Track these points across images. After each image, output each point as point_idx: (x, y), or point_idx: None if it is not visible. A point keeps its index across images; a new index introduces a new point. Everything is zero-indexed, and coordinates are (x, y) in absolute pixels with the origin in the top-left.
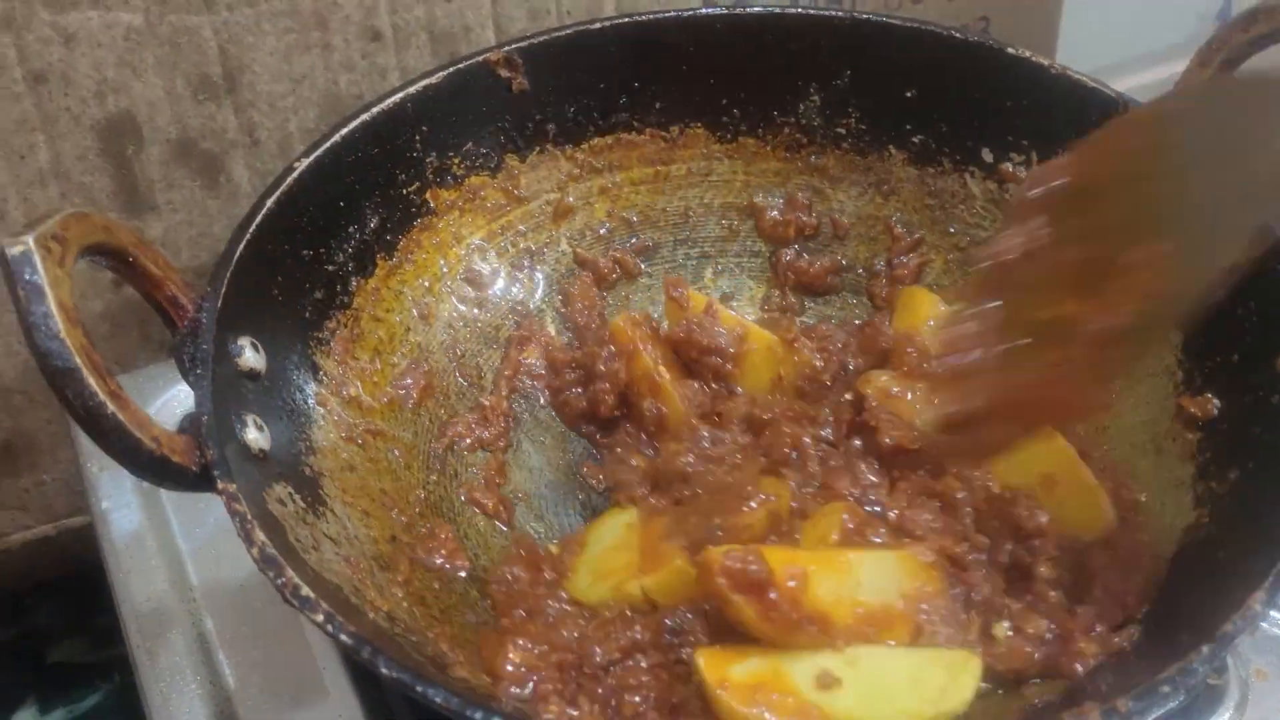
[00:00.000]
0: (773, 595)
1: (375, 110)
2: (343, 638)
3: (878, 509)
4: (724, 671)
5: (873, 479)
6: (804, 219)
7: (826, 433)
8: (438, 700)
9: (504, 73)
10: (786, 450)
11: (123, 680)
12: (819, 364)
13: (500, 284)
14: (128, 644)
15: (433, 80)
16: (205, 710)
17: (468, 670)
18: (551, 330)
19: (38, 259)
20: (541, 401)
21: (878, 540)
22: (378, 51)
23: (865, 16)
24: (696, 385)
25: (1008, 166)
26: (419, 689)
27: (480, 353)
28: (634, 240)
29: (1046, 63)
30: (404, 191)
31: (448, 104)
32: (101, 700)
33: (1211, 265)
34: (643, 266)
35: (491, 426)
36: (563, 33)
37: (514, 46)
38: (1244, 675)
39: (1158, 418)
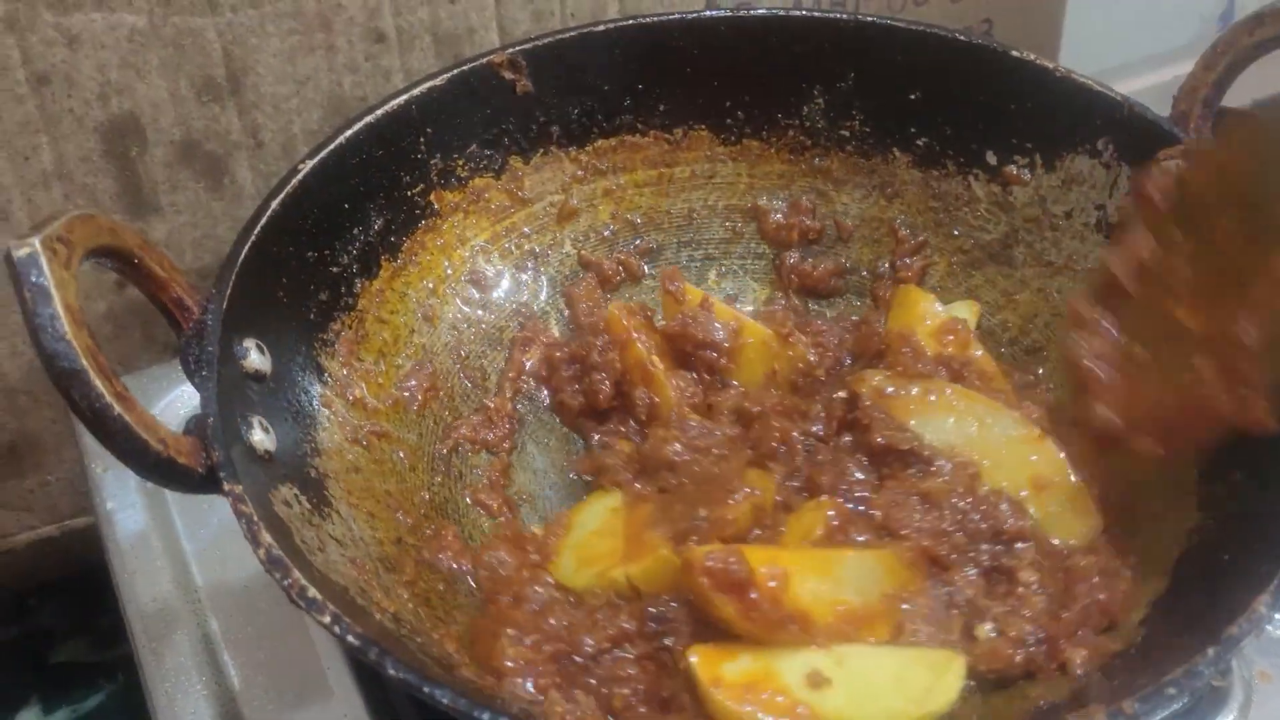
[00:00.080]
0: (753, 595)
1: (379, 112)
2: (350, 639)
3: (862, 507)
4: (717, 670)
5: (860, 476)
6: (807, 223)
7: (818, 429)
8: (444, 701)
9: (508, 75)
10: (774, 444)
11: (126, 680)
12: (814, 359)
13: (504, 286)
14: (133, 645)
15: (437, 82)
16: (210, 710)
17: (473, 671)
18: (555, 332)
19: (44, 261)
20: (545, 403)
21: (861, 539)
22: (382, 53)
23: (869, 19)
24: (690, 376)
25: (1011, 169)
26: (426, 689)
27: (484, 354)
28: (638, 242)
29: (1051, 65)
30: (408, 193)
31: (452, 106)
32: (105, 700)
33: None
34: (646, 269)
35: (496, 428)
36: (567, 35)
37: (518, 48)
38: (1248, 677)
39: None
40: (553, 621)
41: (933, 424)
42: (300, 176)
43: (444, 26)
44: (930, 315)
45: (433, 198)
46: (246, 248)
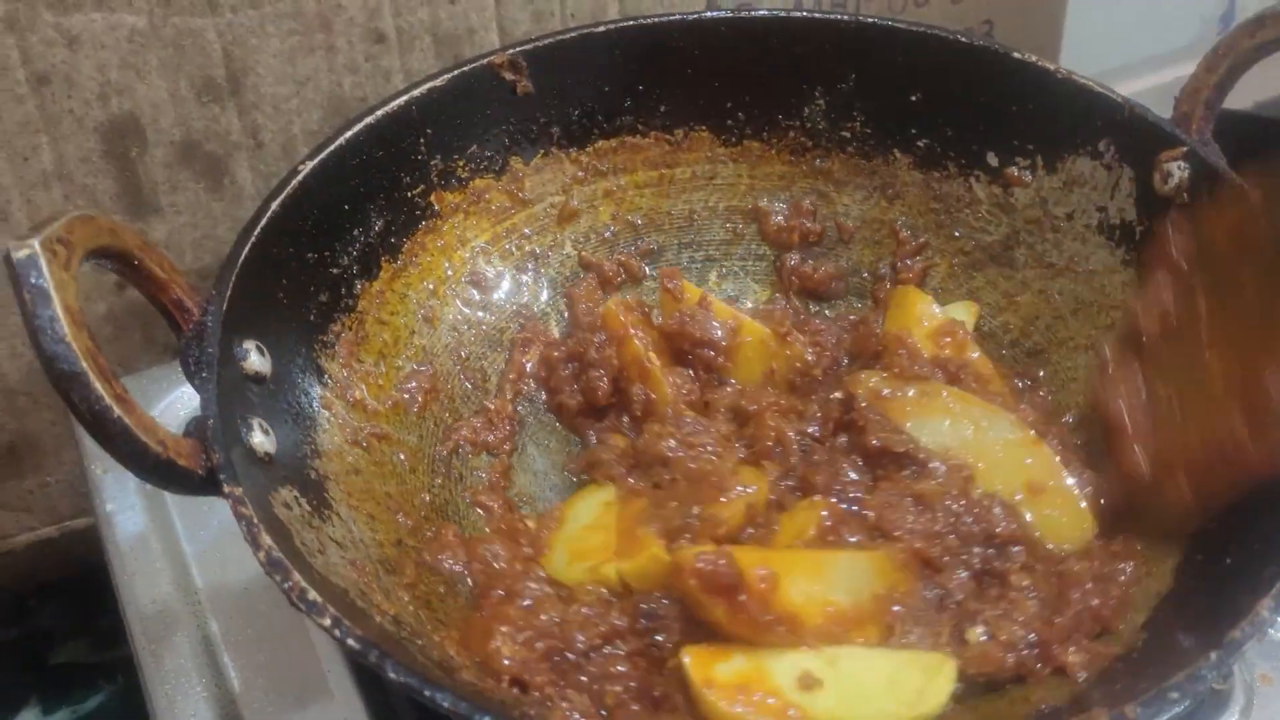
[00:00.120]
0: (743, 597)
1: (379, 113)
2: (350, 642)
3: (855, 507)
4: (709, 671)
5: (854, 476)
6: (808, 225)
7: (814, 429)
8: (445, 704)
9: (508, 75)
10: (769, 443)
11: (126, 682)
12: (811, 359)
13: (505, 287)
14: (132, 646)
15: (437, 83)
16: (210, 713)
17: (474, 674)
18: (556, 333)
19: (43, 262)
20: (545, 404)
21: (854, 540)
22: (382, 54)
23: (870, 20)
24: (688, 374)
25: (1013, 171)
26: (427, 693)
27: (485, 356)
28: (639, 243)
29: (1052, 67)
30: (408, 194)
31: (452, 107)
32: (104, 701)
33: None
34: (647, 270)
35: (496, 430)
36: (567, 35)
37: (518, 49)
38: (1249, 680)
39: None
40: (544, 618)
41: (928, 426)
42: (300, 177)
43: (444, 27)
44: (928, 317)
45: (433, 199)
46: (246, 249)
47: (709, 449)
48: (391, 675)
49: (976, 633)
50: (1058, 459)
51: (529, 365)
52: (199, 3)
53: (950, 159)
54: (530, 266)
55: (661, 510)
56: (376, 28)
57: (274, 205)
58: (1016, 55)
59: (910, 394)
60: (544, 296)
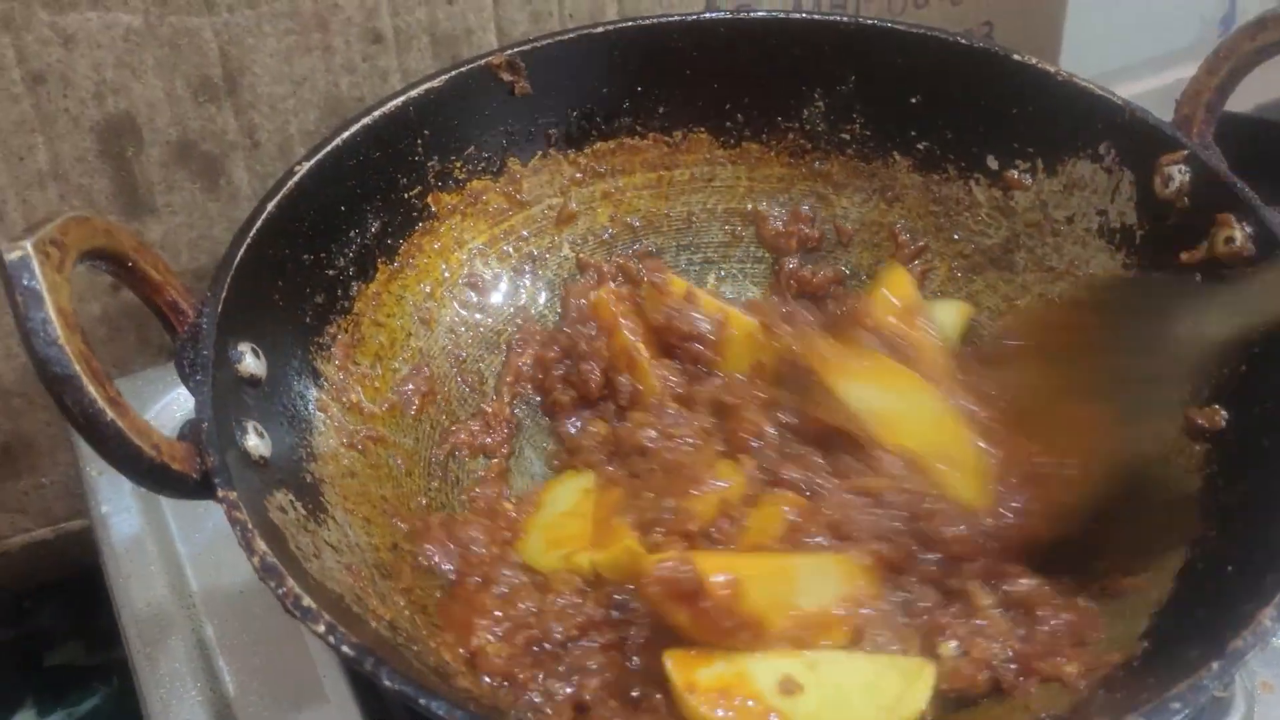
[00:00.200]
0: (705, 604)
1: (376, 113)
2: (345, 649)
3: (821, 505)
4: (692, 675)
5: (826, 470)
6: (806, 231)
7: (792, 419)
8: (440, 712)
9: (506, 76)
10: (747, 437)
11: (121, 684)
12: (798, 350)
13: (502, 289)
14: (127, 649)
15: (434, 83)
16: (205, 716)
17: (470, 680)
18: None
19: (36, 264)
20: (541, 407)
21: (820, 538)
22: (379, 54)
23: (870, 22)
24: (676, 365)
25: (1013, 173)
26: (422, 700)
27: (482, 358)
28: (637, 245)
29: (1052, 69)
30: (405, 195)
31: (449, 107)
32: (100, 703)
33: (1140, 435)
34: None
35: (494, 433)
36: (565, 36)
37: (516, 50)
38: (1250, 688)
39: (1164, 429)
40: (521, 606)
41: (858, 390)
42: (297, 178)
43: (442, 27)
44: (904, 296)
45: (430, 200)
46: (242, 250)
47: (688, 441)
48: (386, 682)
49: (949, 647)
50: (971, 434)
51: (525, 367)
52: (195, 2)
53: (950, 161)
54: (528, 269)
55: (637, 501)
56: (374, 28)
57: (270, 206)
58: (1016, 57)
59: (851, 361)
60: (542, 299)
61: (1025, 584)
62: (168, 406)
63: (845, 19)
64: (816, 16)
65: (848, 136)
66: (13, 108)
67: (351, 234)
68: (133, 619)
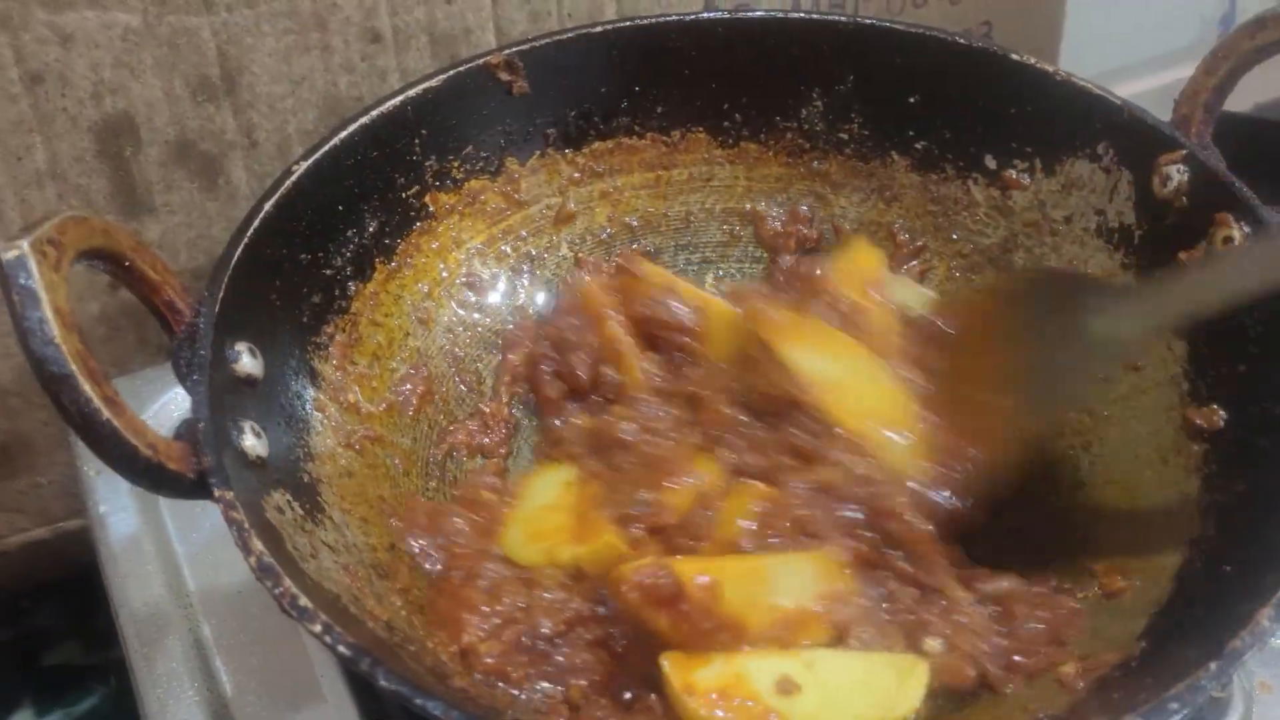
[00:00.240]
0: (685, 607)
1: (375, 113)
2: (341, 649)
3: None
4: (689, 676)
5: (789, 461)
6: (804, 231)
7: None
8: (437, 713)
9: (504, 76)
10: (719, 429)
11: (119, 684)
12: (750, 320)
13: (500, 289)
14: (124, 649)
15: (433, 83)
16: (202, 716)
17: (467, 680)
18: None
19: (33, 263)
20: (535, 406)
21: (787, 530)
22: (377, 53)
23: (868, 21)
24: (660, 358)
25: (1011, 173)
26: (419, 701)
27: (480, 358)
28: (635, 245)
29: (1051, 69)
30: (403, 195)
31: (448, 107)
32: (98, 703)
33: (1044, 422)
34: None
35: (492, 433)
36: (564, 36)
37: (515, 49)
38: (1248, 688)
39: (1162, 429)
40: (508, 601)
41: (804, 355)
42: (294, 178)
43: (440, 27)
44: (861, 260)
45: (428, 200)
46: (240, 250)
47: (668, 434)
48: (383, 683)
49: (934, 643)
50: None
51: (514, 361)
52: (194, 1)
53: (948, 161)
54: (526, 268)
55: (616, 495)
56: (372, 27)
57: (267, 206)
58: (1015, 57)
59: (799, 329)
60: (540, 299)
61: (1004, 584)
62: (166, 406)
63: (843, 18)
64: (815, 16)
65: (846, 136)
66: (10, 107)
67: (349, 233)
68: (130, 619)
